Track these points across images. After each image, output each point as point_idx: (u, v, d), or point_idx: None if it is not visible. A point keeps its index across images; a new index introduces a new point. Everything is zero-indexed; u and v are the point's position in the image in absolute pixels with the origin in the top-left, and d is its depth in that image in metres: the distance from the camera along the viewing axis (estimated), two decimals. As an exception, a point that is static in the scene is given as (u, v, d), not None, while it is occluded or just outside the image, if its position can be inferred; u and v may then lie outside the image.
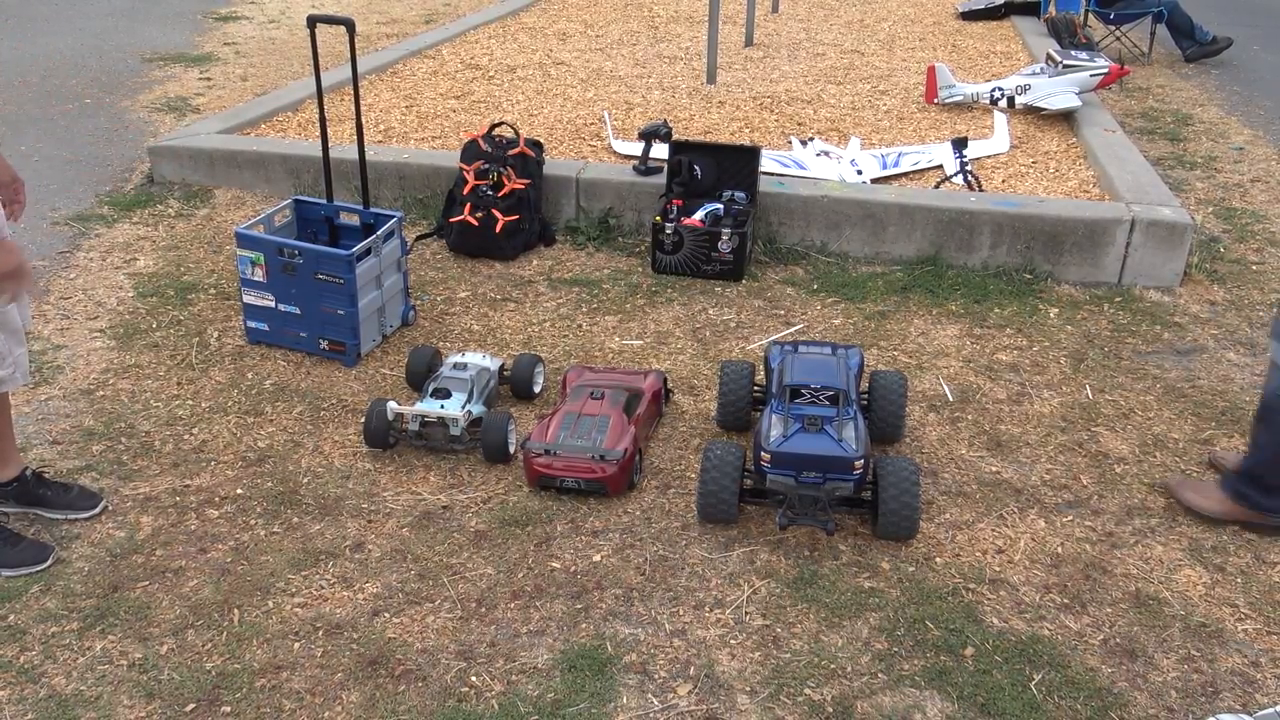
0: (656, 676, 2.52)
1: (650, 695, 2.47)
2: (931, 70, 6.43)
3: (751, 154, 4.72)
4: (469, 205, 4.71)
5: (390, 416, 3.30)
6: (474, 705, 2.43)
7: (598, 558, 2.91)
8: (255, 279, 3.88)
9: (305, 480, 3.25)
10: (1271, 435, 2.91)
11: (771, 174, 5.04)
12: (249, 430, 3.49)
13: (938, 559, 2.92)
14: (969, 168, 5.19)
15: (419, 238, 4.90)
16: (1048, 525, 3.07)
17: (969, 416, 3.60)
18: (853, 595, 2.78)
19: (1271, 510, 2.96)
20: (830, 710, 2.43)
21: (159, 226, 5.10)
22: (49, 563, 2.85)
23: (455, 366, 3.53)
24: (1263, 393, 2.94)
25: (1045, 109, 6.12)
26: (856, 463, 2.84)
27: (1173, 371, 3.90)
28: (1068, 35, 7.97)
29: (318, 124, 4.08)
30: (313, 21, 3.80)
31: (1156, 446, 3.45)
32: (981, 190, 5.04)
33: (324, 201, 4.19)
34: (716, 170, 4.78)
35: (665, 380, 3.62)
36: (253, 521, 3.06)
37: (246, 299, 3.95)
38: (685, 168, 4.75)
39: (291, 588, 2.80)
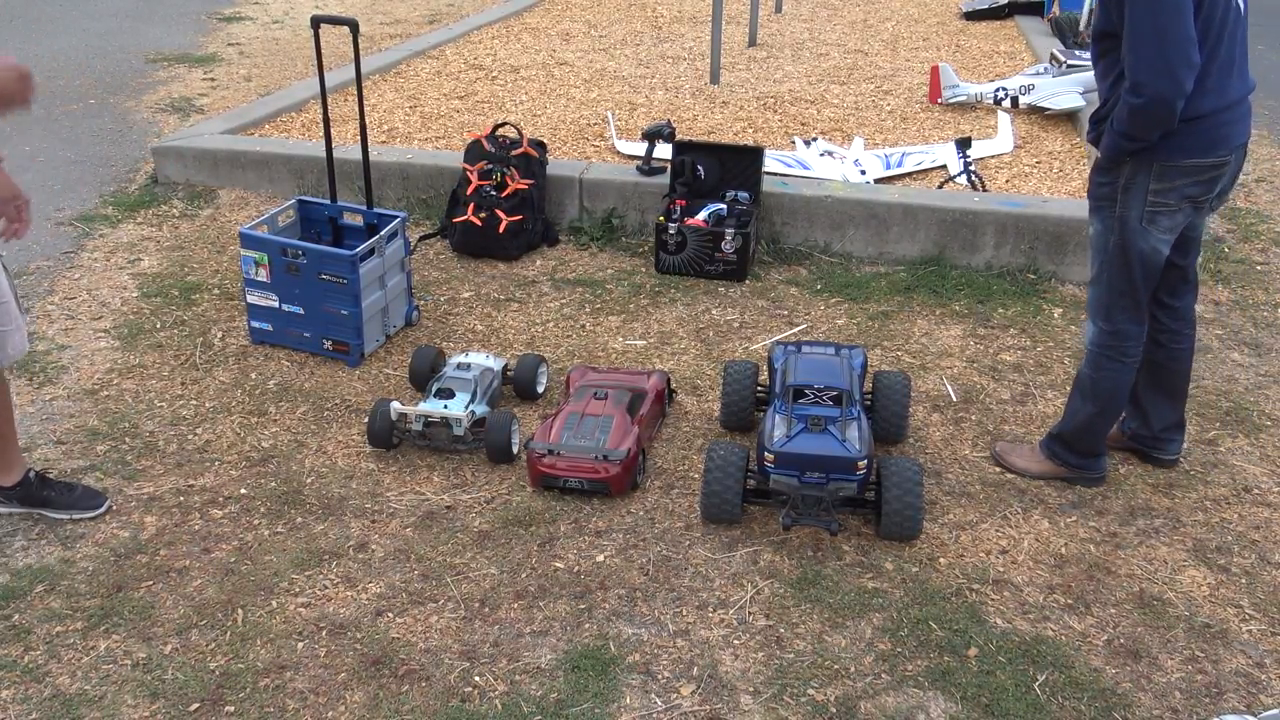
0: (660, 677, 2.52)
1: (653, 695, 2.47)
2: (935, 70, 6.43)
3: (755, 154, 4.72)
4: (472, 205, 4.71)
5: (394, 416, 3.31)
6: (477, 705, 2.44)
7: (601, 558, 2.92)
8: (259, 279, 3.89)
9: (309, 480, 3.25)
10: (1081, 404, 3.17)
11: (775, 174, 5.03)
12: (253, 430, 3.50)
13: (941, 559, 2.92)
14: (973, 168, 5.18)
15: (422, 238, 4.91)
16: (1051, 526, 3.07)
17: (973, 417, 3.59)
18: (856, 596, 2.78)
19: (1082, 466, 3.24)
20: (833, 711, 2.43)
21: (163, 227, 5.11)
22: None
23: (459, 366, 3.54)
24: (1081, 365, 3.18)
25: (1049, 109, 6.12)
26: (860, 463, 2.84)
27: (1177, 372, 3.89)
28: (1071, 35, 7.96)
29: (321, 124, 4.09)
30: (316, 22, 3.80)
31: (1160, 447, 3.44)
32: (985, 190, 5.04)
33: (328, 202, 4.20)
34: (720, 170, 4.77)
35: (668, 380, 3.62)
36: (256, 521, 3.06)
37: (250, 299, 3.95)
38: (688, 168, 4.75)
39: (295, 588, 2.80)
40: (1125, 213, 2.88)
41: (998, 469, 3.31)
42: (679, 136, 5.07)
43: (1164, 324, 3.16)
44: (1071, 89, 6.11)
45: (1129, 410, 3.32)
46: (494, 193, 4.72)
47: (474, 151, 4.90)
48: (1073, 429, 3.20)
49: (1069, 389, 3.73)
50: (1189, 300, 3.17)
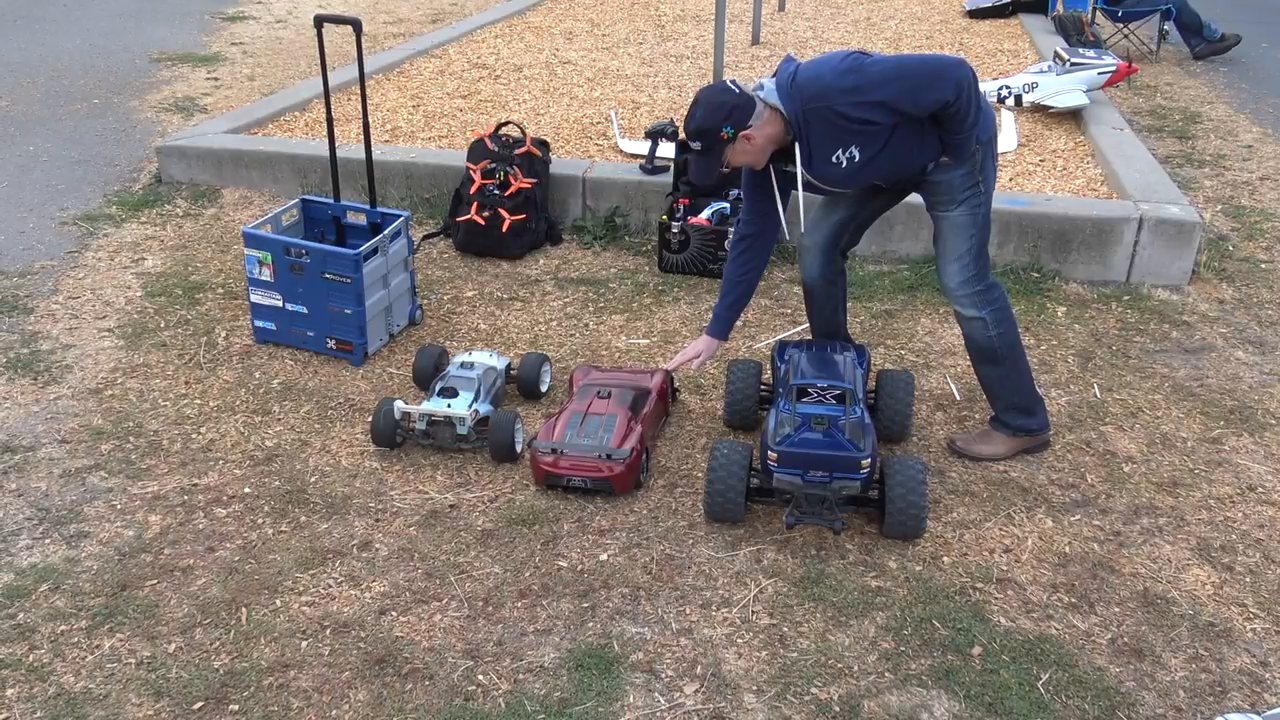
0: (663, 675, 2.53)
1: (657, 694, 2.47)
2: (939, 68, 6.41)
3: (758, 153, 4.71)
4: (476, 204, 4.71)
5: (397, 416, 3.31)
6: (481, 704, 2.44)
7: (604, 557, 2.92)
8: (263, 278, 3.89)
9: (313, 479, 3.25)
10: (1002, 369, 3.27)
11: (778, 173, 5.02)
12: (257, 429, 3.50)
13: (945, 558, 2.92)
14: (976, 166, 5.17)
15: (426, 237, 4.91)
16: (1055, 524, 3.07)
17: (976, 415, 3.59)
18: (860, 594, 2.78)
19: (1041, 428, 3.36)
20: (837, 709, 2.43)
21: (167, 226, 5.12)
22: None
23: (462, 365, 3.54)
24: (972, 344, 3.27)
25: (1053, 107, 6.11)
26: (863, 462, 2.83)
27: (1181, 370, 3.89)
28: (1075, 33, 7.95)
29: (325, 124, 4.09)
30: (319, 21, 3.81)
31: (1164, 445, 3.44)
32: (989, 189, 5.03)
33: (331, 201, 4.20)
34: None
35: (672, 379, 3.62)
36: (260, 520, 3.06)
37: (254, 298, 3.96)
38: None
39: (299, 586, 2.80)
40: (986, 188, 3.11)
41: (1001, 467, 3.31)
42: (682, 135, 5.06)
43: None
44: (1075, 87, 6.10)
45: (829, 328, 3.58)
46: (497, 192, 4.73)
47: (477, 150, 4.90)
48: (1013, 391, 3.30)
49: (1074, 388, 3.74)
50: None
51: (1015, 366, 3.27)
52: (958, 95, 2.84)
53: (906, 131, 2.92)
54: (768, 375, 3.66)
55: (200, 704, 2.44)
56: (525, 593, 2.78)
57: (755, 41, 8.03)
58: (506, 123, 5.01)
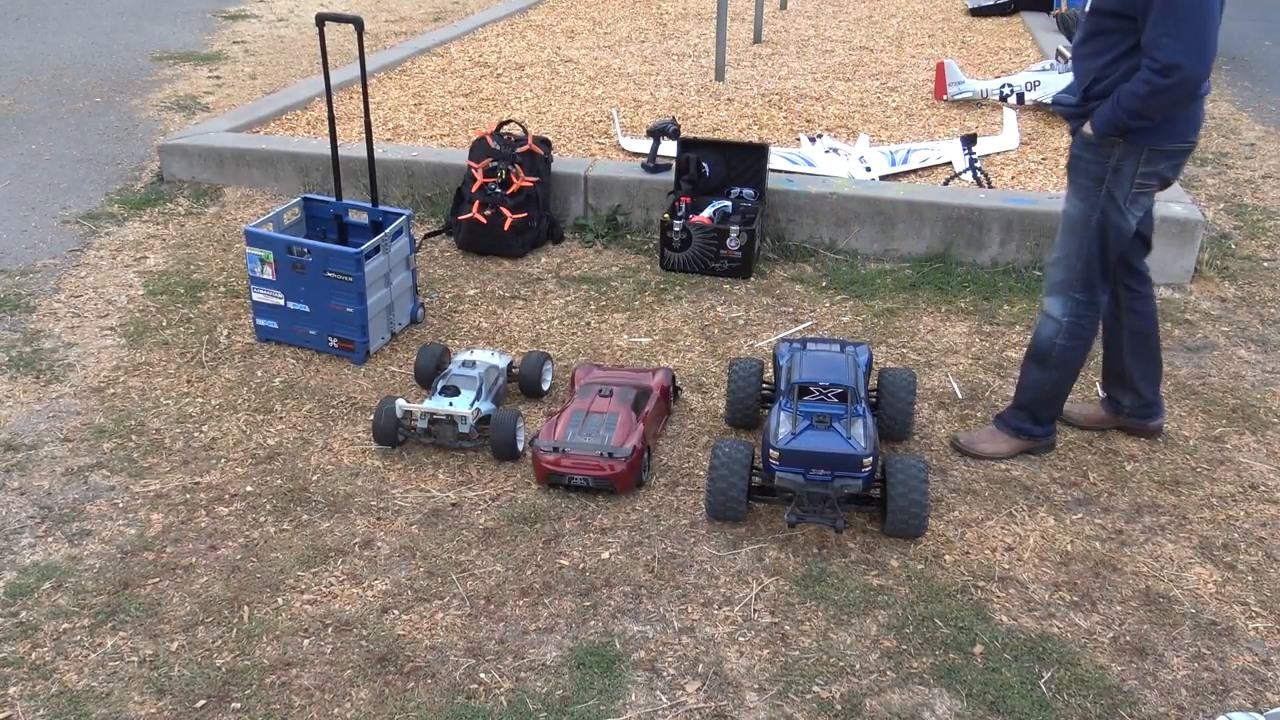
0: (665, 674, 2.53)
1: (659, 692, 2.47)
2: (941, 67, 6.42)
3: (760, 151, 4.72)
4: (477, 203, 4.71)
5: (399, 414, 3.31)
6: (483, 702, 2.44)
7: (606, 555, 2.92)
8: (264, 277, 3.89)
9: (315, 478, 3.25)
10: (1044, 375, 3.25)
11: (780, 171, 5.03)
12: (259, 428, 3.51)
13: (947, 557, 2.92)
14: (978, 164, 5.17)
15: (427, 235, 4.91)
16: (1057, 523, 3.06)
17: (978, 414, 3.59)
18: (861, 593, 2.78)
19: (1044, 434, 3.35)
20: (839, 708, 2.43)
21: (169, 225, 5.12)
22: None
23: (464, 364, 3.54)
24: (1035, 338, 3.25)
25: (1055, 105, 6.10)
26: (865, 460, 2.83)
27: (1183, 369, 3.89)
28: (1078, 31, 7.94)
29: (326, 122, 4.09)
30: (321, 20, 3.81)
31: (1166, 444, 3.43)
32: (991, 187, 5.03)
33: (333, 199, 4.20)
34: (725, 168, 4.77)
35: (674, 378, 3.62)
36: (262, 519, 3.07)
37: (256, 297, 3.96)
38: (693, 165, 4.74)
39: (301, 585, 2.81)
40: (1114, 192, 3.00)
41: (1003, 466, 3.30)
42: (684, 134, 5.07)
43: (1133, 289, 3.29)
44: (1077, 85, 6.08)
45: (1118, 390, 3.41)
46: (499, 190, 4.73)
47: (479, 149, 4.90)
48: (1037, 399, 3.28)
49: (1076, 386, 3.73)
50: (1145, 257, 3.32)
51: (1058, 381, 3.26)
52: (1171, 76, 2.70)
53: (1130, 28, 2.79)
54: (769, 374, 3.66)
55: (202, 702, 2.44)
56: (527, 591, 2.78)
57: (757, 40, 8.02)
58: (508, 121, 5.01)
